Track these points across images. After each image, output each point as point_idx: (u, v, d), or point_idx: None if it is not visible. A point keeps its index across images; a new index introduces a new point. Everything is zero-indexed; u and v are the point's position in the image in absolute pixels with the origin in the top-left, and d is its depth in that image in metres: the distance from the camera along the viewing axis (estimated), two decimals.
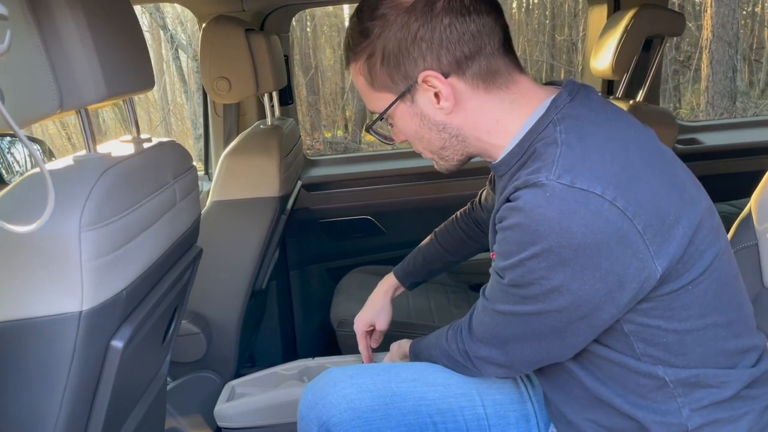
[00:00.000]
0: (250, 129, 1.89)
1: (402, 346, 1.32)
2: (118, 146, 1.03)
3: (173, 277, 1.11)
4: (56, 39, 0.82)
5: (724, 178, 2.29)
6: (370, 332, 1.43)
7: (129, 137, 1.10)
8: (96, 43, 0.86)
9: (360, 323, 1.41)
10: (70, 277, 0.80)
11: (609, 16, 2.16)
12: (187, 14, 7.41)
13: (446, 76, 0.87)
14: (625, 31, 1.74)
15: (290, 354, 2.33)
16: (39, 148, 1.96)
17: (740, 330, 0.89)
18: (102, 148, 0.98)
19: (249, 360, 2.22)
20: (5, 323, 0.82)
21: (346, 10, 8.25)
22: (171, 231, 1.08)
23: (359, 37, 0.90)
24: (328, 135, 9.45)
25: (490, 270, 0.93)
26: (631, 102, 1.74)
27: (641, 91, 1.86)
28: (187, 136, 8.78)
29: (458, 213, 1.44)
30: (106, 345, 0.90)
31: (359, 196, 2.40)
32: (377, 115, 0.96)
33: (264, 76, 1.75)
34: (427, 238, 1.47)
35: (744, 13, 8.89)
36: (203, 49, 1.70)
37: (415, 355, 1.22)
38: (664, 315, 0.83)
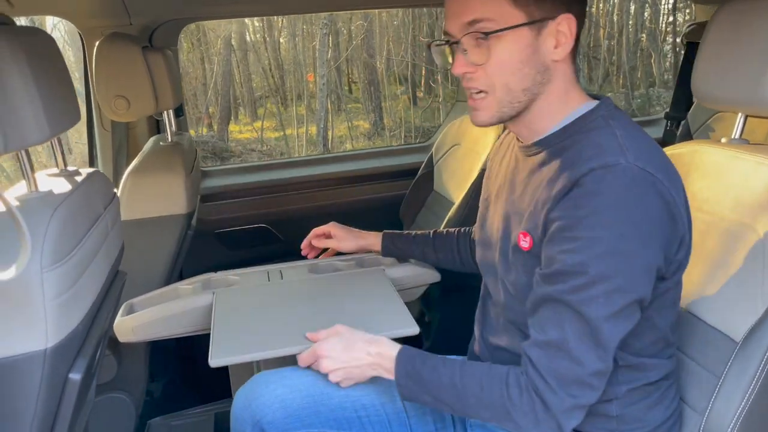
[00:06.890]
0: (150, 146, 1.88)
1: (386, 349, 1.06)
2: (52, 181, 1.04)
3: (109, 306, 1.14)
4: (1, 91, 0.84)
5: None
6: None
7: (55, 170, 1.11)
8: (39, 90, 0.88)
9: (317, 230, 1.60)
10: (34, 317, 0.83)
11: None
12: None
13: (577, 28, 0.91)
14: None
15: (196, 365, 2.32)
16: None
17: None
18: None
19: (151, 377, 2.19)
20: None
21: None
22: (107, 260, 1.11)
23: None
24: (192, 133, 9.16)
25: (550, 296, 0.88)
26: None
27: None
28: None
29: (460, 229, 1.49)
30: (64, 379, 0.92)
31: (255, 206, 2.44)
32: (471, 30, 0.89)
33: (163, 93, 1.76)
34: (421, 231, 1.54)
35: None
36: (98, 67, 1.67)
37: (415, 385, 1.00)
38: None
